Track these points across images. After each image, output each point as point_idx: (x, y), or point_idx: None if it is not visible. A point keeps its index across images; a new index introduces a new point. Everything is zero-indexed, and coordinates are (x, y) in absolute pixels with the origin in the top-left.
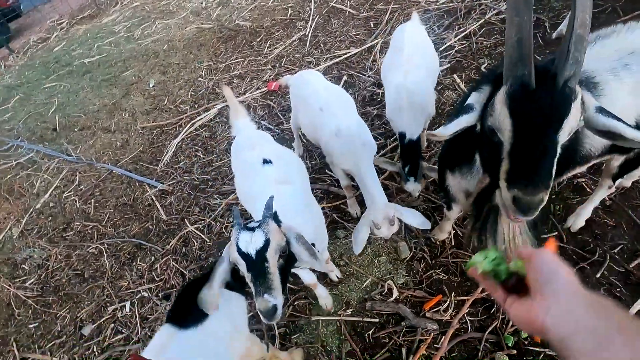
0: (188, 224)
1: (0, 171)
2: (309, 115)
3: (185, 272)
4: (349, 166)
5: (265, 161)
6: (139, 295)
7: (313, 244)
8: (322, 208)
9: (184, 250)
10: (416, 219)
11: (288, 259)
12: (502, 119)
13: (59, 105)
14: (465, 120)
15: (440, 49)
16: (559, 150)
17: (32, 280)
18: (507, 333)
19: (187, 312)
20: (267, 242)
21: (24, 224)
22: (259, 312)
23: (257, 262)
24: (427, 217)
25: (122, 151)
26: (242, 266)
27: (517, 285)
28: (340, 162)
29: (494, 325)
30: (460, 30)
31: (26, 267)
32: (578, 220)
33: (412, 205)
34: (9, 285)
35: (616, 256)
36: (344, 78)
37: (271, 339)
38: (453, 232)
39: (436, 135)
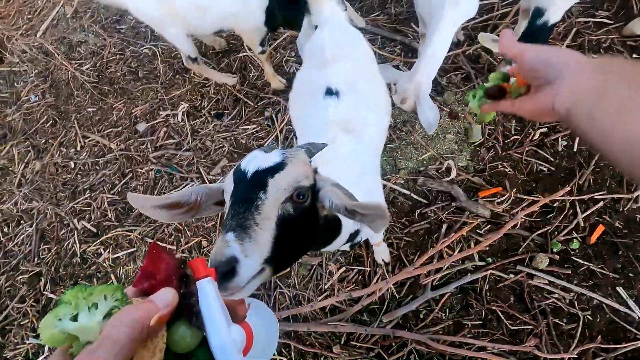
0: (247, 49)
1: None
2: None
3: (239, 95)
4: (425, 15)
5: (329, 91)
6: (192, 104)
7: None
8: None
9: (243, 73)
10: (425, 117)
11: (306, 214)
12: None
13: None
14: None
15: None
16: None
17: (89, 65)
18: (556, 239)
19: None
20: (278, 166)
21: (76, 3)
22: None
23: (248, 186)
24: None
25: None
26: (228, 193)
27: (500, 91)
28: (418, 3)
29: (545, 229)
30: None
31: (82, 51)
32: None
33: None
34: (68, 64)
35: None
36: None
37: None
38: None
39: None
